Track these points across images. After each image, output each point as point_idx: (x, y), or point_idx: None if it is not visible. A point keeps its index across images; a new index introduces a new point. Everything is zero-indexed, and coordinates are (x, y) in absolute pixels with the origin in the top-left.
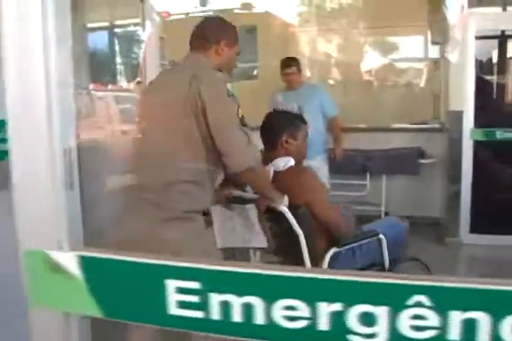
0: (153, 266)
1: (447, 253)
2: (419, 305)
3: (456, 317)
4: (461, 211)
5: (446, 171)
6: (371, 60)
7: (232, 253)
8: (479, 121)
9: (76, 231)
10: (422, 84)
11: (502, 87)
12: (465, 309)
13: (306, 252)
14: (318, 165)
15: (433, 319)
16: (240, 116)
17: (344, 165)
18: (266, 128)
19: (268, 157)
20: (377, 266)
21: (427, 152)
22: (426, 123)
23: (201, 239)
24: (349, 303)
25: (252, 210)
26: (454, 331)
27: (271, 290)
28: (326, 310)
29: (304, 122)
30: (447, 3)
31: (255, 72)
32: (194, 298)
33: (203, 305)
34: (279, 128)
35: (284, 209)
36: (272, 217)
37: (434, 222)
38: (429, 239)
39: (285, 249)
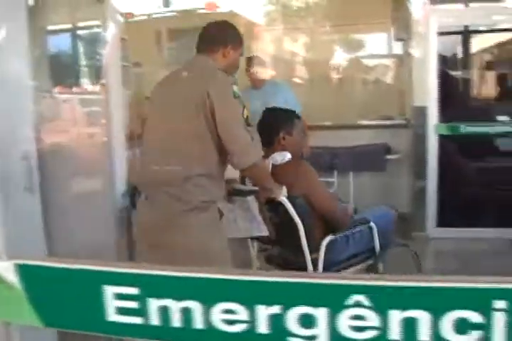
0: (91, 273)
1: (414, 247)
2: (358, 305)
3: (396, 316)
4: (427, 205)
5: (412, 166)
6: (337, 58)
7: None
8: (444, 116)
9: (37, 236)
10: (387, 80)
11: (466, 82)
12: (405, 308)
13: (304, 240)
14: None
15: (373, 319)
16: (245, 116)
17: (311, 162)
18: (263, 125)
19: (266, 152)
20: (368, 252)
21: (393, 148)
22: (391, 119)
23: (216, 226)
24: (288, 305)
25: (253, 202)
26: (395, 330)
27: (209, 293)
28: (264, 312)
29: (298, 117)
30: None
31: None
32: (133, 304)
33: (141, 311)
34: (276, 126)
35: (284, 199)
36: (272, 207)
37: (402, 217)
38: (396, 234)
39: (284, 238)
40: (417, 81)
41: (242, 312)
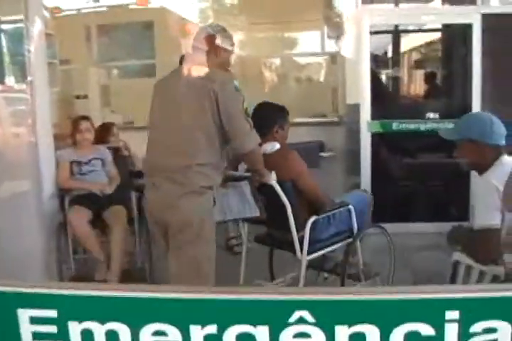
0: (3, 295)
1: None
2: (302, 321)
3: (343, 332)
4: None
5: (346, 163)
6: (270, 55)
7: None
8: (376, 114)
9: None
10: (321, 78)
11: (397, 80)
12: (352, 322)
13: (292, 220)
14: None
15: (318, 336)
16: (245, 107)
17: None
18: (259, 118)
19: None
20: (348, 231)
21: (327, 145)
22: (325, 117)
23: (209, 210)
24: (224, 325)
25: (246, 186)
26: None
27: (137, 314)
28: (199, 333)
29: (288, 113)
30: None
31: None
32: (51, 328)
33: (62, 335)
34: (271, 120)
35: (274, 183)
36: (262, 191)
37: None
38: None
39: (274, 218)
40: (350, 79)
41: (174, 334)
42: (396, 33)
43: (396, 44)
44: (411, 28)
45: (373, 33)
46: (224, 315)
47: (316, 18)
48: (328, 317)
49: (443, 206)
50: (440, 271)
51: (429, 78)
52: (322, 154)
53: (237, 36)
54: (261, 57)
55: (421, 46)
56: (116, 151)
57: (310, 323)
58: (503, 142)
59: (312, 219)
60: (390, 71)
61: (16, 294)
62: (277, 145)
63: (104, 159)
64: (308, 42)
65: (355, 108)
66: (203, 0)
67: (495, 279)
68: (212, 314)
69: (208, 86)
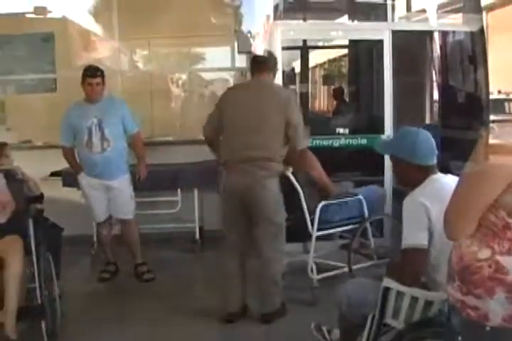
0: None
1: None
2: None
3: None
4: None
5: None
6: (177, 71)
7: None
8: None
9: None
10: None
11: (305, 96)
12: None
13: (304, 203)
14: (120, 186)
15: None
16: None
17: (153, 181)
18: None
19: None
20: (360, 217)
21: None
22: None
23: (279, 187)
24: None
25: None
26: None
27: None
28: None
29: None
30: (253, 14)
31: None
32: None
33: None
34: None
35: (289, 174)
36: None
37: None
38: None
39: (291, 202)
40: None
41: None
42: (304, 49)
43: (304, 59)
44: (320, 43)
45: (283, 48)
46: None
47: (227, 33)
48: None
49: None
50: None
51: (337, 94)
52: None
53: (143, 50)
54: (167, 73)
55: (328, 62)
56: (8, 175)
57: None
58: (429, 162)
59: (321, 204)
60: (296, 87)
61: None
62: None
63: None
64: (218, 57)
65: None
66: (106, 10)
67: (428, 305)
68: None
69: (284, 99)
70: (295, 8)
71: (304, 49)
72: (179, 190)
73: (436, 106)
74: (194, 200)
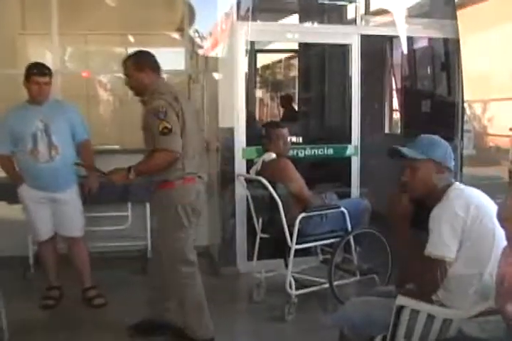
0: None
1: (224, 282)
2: None
3: None
4: (236, 239)
5: (219, 195)
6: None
7: None
8: (251, 139)
9: None
10: None
11: (252, 103)
12: None
13: (283, 215)
14: (68, 199)
15: None
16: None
17: (101, 195)
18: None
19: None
20: (342, 230)
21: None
22: None
23: None
24: None
25: None
26: None
27: None
28: None
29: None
30: (213, 15)
31: None
32: None
33: None
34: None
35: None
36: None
37: (205, 252)
38: (201, 270)
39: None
40: (222, 100)
41: None
42: (252, 52)
43: (252, 64)
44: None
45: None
46: None
47: (180, 35)
48: None
49: None
50: None
51: (285, 101)
52: None
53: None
54: (111, 78)
55: (275, 67)
56: None
57: None
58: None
59: (301, 216)
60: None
61: None
62: (273, 155)
63: None
64: (170, 60)
65: (230, 132)
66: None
67: (445, 324)
68: None
69: None
70: (262, 8)
71: (252, 52)
72: (129, 205)
73: (396, 114)
74: (146, 215)
